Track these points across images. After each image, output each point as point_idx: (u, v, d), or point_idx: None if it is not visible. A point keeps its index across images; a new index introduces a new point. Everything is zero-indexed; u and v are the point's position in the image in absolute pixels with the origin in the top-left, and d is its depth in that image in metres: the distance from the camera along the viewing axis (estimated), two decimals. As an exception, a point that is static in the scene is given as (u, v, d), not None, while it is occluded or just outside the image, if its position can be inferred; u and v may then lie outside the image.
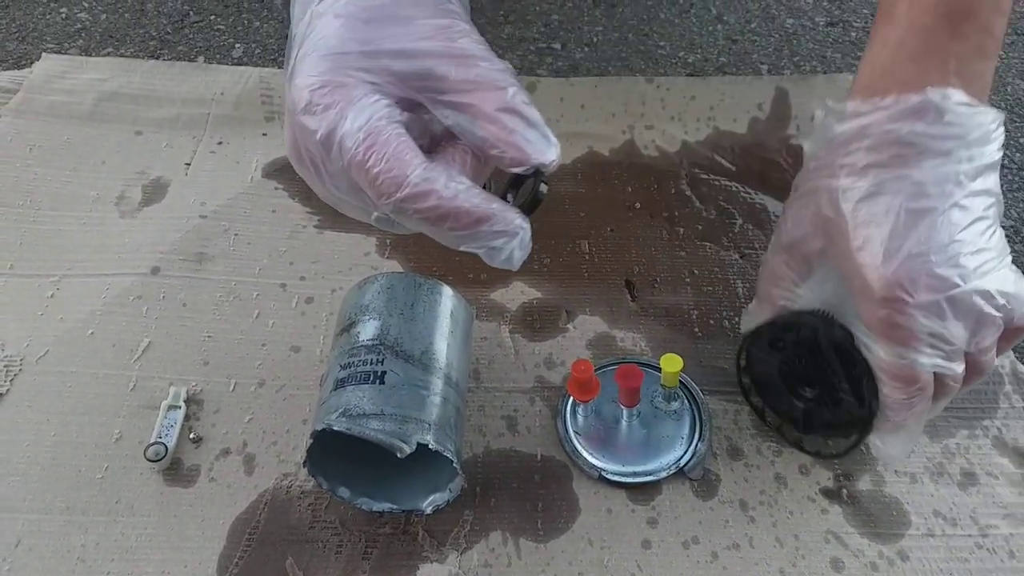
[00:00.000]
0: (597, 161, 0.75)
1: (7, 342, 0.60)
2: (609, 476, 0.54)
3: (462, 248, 0.40)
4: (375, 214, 0.42)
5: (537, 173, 0.39)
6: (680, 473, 0.55)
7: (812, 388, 0.54)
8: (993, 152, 0.42)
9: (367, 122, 0.37)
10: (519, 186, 0.39)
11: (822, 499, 0.55)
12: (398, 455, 0.46)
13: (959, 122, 0.41)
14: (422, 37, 0.39)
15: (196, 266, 0.65)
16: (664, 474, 0.54)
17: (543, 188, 0.39)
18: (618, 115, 0.78)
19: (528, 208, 0.39)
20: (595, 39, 0.89)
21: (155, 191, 0.70)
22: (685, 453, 0.55)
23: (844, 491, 0.55)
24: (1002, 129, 0.43)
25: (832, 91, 0.79)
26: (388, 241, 0.68)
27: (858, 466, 0.56)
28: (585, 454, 0.55)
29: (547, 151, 0.39)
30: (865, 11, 0.93)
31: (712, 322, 0.64)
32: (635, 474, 0.55)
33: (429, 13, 0.40)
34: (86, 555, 0.51)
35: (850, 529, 0.54)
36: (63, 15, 0.89)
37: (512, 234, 0.39)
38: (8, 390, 0.58)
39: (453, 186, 0.38)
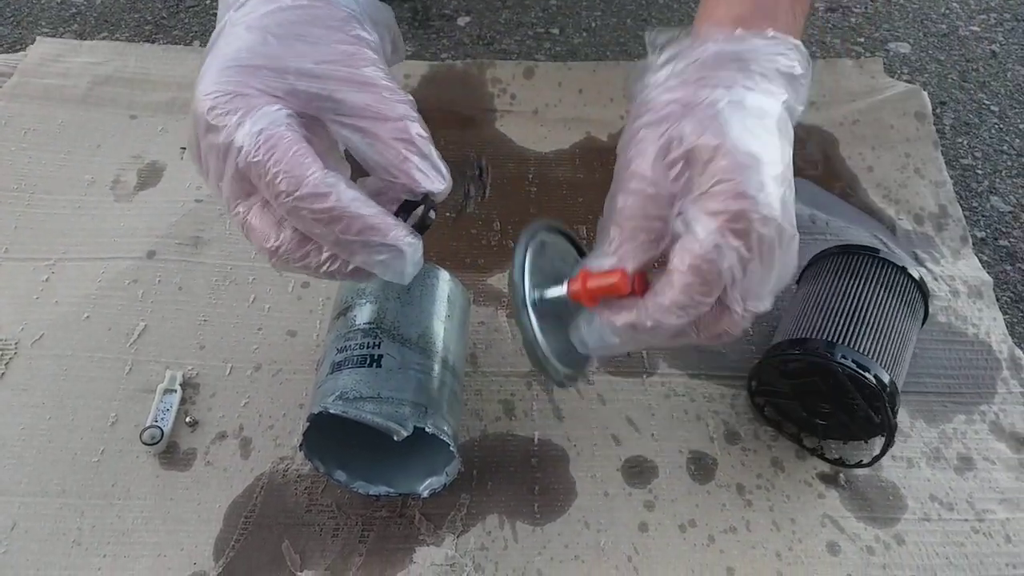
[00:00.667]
0: (595, 146, 0.75)
1: (2, 325, 0.60)
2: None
3: (351, 263, 0.40)
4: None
5: (426, 200, 0.41)
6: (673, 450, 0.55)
7: (827, 404, 0.53)
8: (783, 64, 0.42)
9: (267, 126, 0.38)
10: (409, 212, 0.42)
11: (819, 483, 0.55)
12: (394, 438, 0.46)
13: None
14: (328, 60, 0.40)
15: (192, 250, 0.65)
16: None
17: (431, 215, 0.42)
18: (616, 100, 0.77)
19: (416, 231, 0.41)
20: (593, 24, 0.89)
21: (150, 175, 0.70)
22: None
23: (841, 476, 0.55)
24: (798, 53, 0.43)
25: (831, 76, 0.78)
26: (385, 226, 0.68)
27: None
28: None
29: (436, 181, 0.41)
30: (865, -3, 0.93)
31: (710, 307, 0.64)
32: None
33: (338, 39, 0.41)
34: (82, 538, 0.51)
35: (846, 513, 0.54)
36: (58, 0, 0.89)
37: (400, 250, 0.40)
38: (3, 373, 0.57)
39: (350, 192, 0.38)
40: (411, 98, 0.42)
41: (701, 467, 0.55)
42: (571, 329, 0.43)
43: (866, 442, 0.56)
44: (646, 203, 0.40)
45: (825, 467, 0.56)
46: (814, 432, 0.55)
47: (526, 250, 0.44)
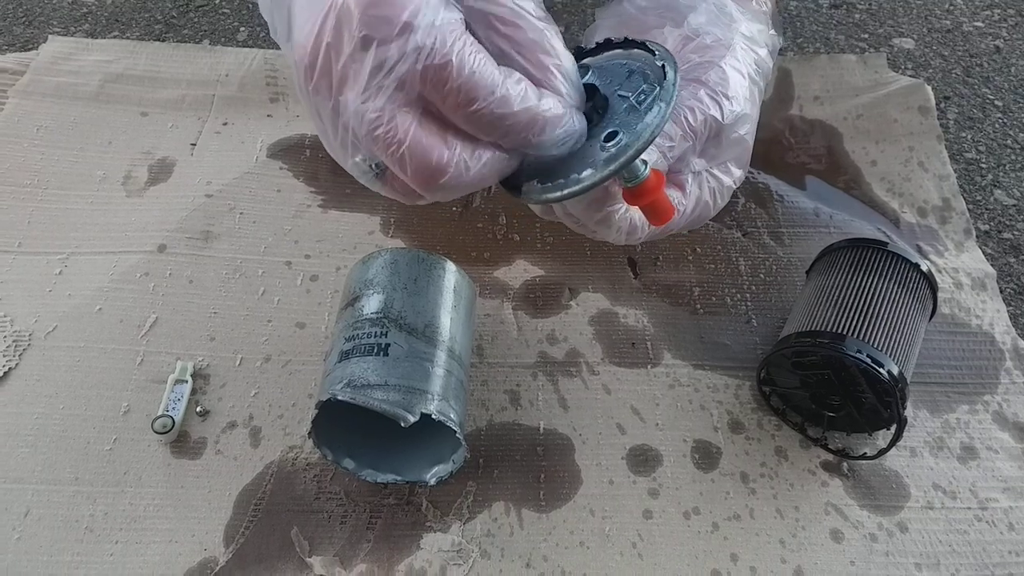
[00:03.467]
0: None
1: (16, 318, 0.61)
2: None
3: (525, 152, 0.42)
4: (357, 158, 0.41)
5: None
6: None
7: (836, 396, 0.54)
8: None
9: (444, 26, 0.35)
10: None
11: (822, 472, 0.55)
12: (402, 424, 0.47)
13: None
14: None
15: (202, 244, 0.66)
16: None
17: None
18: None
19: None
20: (598, 21, 0.89)
21: (161, 171, 0.71)
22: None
23: (844, 465, 0.56)
24: None
25: (835, 71, 0.79)
26: (392, 220, 0.69)
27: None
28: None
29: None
30: (869, -7, 0.93)
31: (714, 298, 0.64)
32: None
33: None
34: (94, 525, 0.52)
35: (850, 501, 0.54)
36: (69, -1, 0.90)
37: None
38: (17, 364, 0.58)
39: (528, 89, 0.39)
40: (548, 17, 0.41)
41: (705, 456, 0.56)
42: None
43: (870, 434, 0.56)
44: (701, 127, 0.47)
45: (829, 456, 0.56)
46: (819, 423, 0.56)
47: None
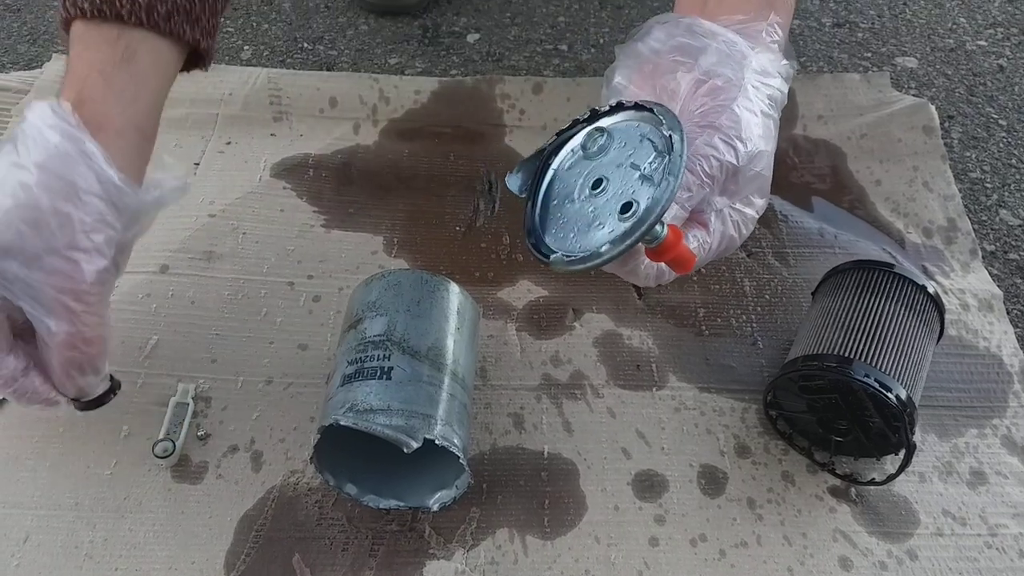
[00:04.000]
0: (604, 161, 0.75)
1: (17, 339, 0.60)
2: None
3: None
4: None
5: (113, 381, 0.50)
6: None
7: (843, 420, 0.53)
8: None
9: None
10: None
11: (830, 498, 0.55)
12: (404, 450, 0.46)
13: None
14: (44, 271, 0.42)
15: (205, 264, 0.66)
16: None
17: (112, 395, 0.51)
18: (625, 115, 0.78)
19: (92, 404, 0.50)
20: (602, 40, 0.89)
21: (164, 190, 0.71)
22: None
23: (852, 490, 0.55)
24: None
25: (839, 90, 0.79)
26: (395, 240, 0.68)
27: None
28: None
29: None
30: (871, 12, 0.93)
31: (719, 320, 0.64)
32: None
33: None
34: (94, 551, 0.51)
35: (858, 528, 0.53)
36: (73, 17, 0.90)
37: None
38: (17, 387, 0.58)
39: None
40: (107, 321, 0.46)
41: (712, 481, 0.55)
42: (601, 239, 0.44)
43: (878, 459, 0.56)
44: (720, 173, 0.47)
45: (836, 481, 0.55)
46: (826, 447, 0.55)
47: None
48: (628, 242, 0.42)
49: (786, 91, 0.50)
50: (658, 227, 0.43)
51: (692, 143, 0.46)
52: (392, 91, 0.79)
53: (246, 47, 0.87)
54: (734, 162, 0.46)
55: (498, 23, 0.91)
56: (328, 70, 0.84)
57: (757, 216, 0.50)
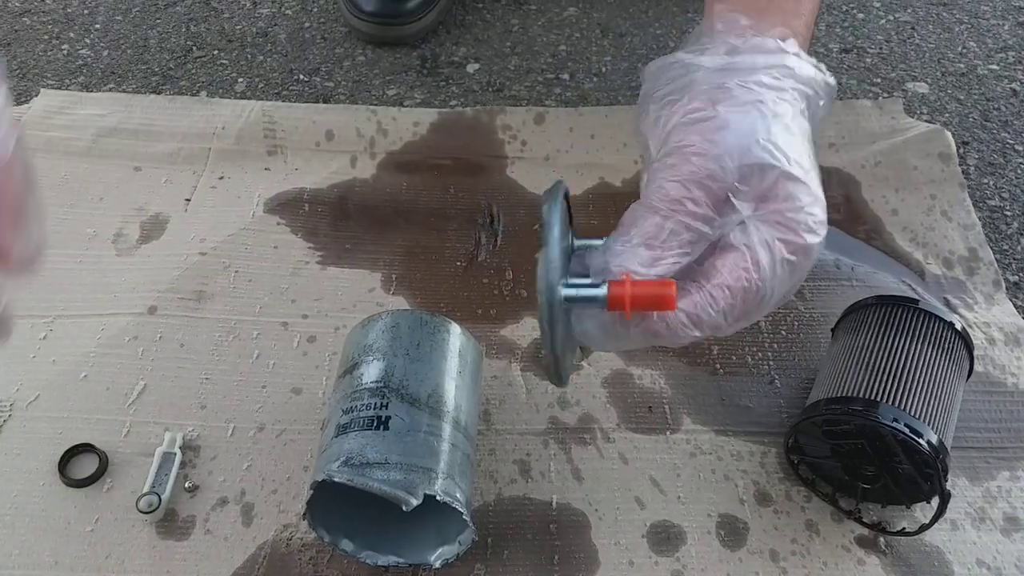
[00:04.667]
0: (609, 192, 0.73)
1: (-4, 387, 0.57)
2: None
3: None
4: None
5: None
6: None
7: (871, 466, 0.50)
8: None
9: None
10: None
11: (858, 548, 0.51)
12: (403, 508, 0.43)
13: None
14: None
15: (195, 305, 0.63)
16: None
17: None
18: (630, 144, 0.75)
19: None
20: (604, 69, 0.87)
21: (154, 228, 0.68)
22: None
23: (881, 540, 0.52)
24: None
25: (850, 117, 0.76)
26: (394, 276, 0.66)
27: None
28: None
29: None
30: (879, 37, 0.91)
31: (735, 358, 0.61)
32: None
33: None
34: (72, 615, 0.48)
35: (889, 581, 0.50)
36: (65, 51, 0.88)
37: None
38: (-4, 438, 0.55)
39: None
40: None
41: (731, 532, 0.52)
42: (578, 318, 0.39)
43: (907, 507, 0.52)
44: (702, 191, 0.38)
45: (864, 531, 0.52)
46: (852, 494, 0.52)
47: (558, 231, 0.38)
48: (543, 321, 0.37)
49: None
50: (570, 291, 0.37)
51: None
52: (390, 123, 0.77)
53: (240, 79, 0.85)
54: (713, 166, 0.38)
55: (498, 52, 0.89)
56: (324, 102, 0.82)
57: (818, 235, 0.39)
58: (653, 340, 0.40)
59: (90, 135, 0.74)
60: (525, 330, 0.63)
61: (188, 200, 0.70)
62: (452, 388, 0.49)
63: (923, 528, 0.49)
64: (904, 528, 0.51)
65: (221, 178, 0.72)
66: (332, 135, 0.75)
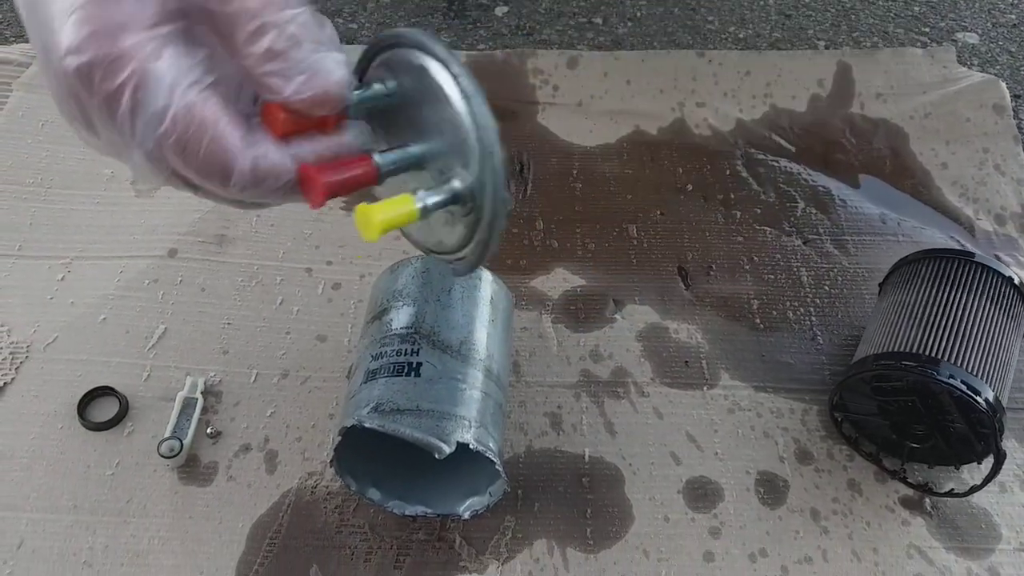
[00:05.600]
0: (644, 140, 0.70)
1: (14, 327, 0.56)
2: None
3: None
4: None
5: None
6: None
7: (921, 425, 0.48)
8: None
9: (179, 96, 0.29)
10: None
11: (902, 509, 0.49)
12: (436, 455, 0.42)
13: None
14: None
15: (216, 249, 0.61)
16: None
17: None
18: (667, 91, 0.72)
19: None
20: (639, 13, 0.84)
21: (173, 169, 0.66)
22: None
23: (927, 501, 0.50)
24: None
25: (900, 66, 0.73)
26: (420, 224, 0.63)
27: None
28: None
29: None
30: (927, -15, 0.87)
31: (775, 313, 0.58)
32: None
33: None
34: (93, 558, 0.47)
35: (935, 543, 0.48)
36: None
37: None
38: (14, 379, 0.53)
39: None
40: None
41: (771, 490, 0.50)
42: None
43: (957, 467, 0.50)
44: None
45: (908, 491, 0.50)
46: (897, 453, 0.50)
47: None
48: None
49: None
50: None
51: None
52: (416, 65, 0.74)
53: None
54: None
55: (528, -4, 0.86)
56: (348, 44, 0.79)
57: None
58: None
59: (107, 73, 0.72)
60: (556, 281, 0.60)
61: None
62: (484, 336, 0.47)
63: (974, 489, 0.47)
64: (952, 489, 0.49)
65: (242, 120, 0.70)
66: (356, 77, 0.73)
